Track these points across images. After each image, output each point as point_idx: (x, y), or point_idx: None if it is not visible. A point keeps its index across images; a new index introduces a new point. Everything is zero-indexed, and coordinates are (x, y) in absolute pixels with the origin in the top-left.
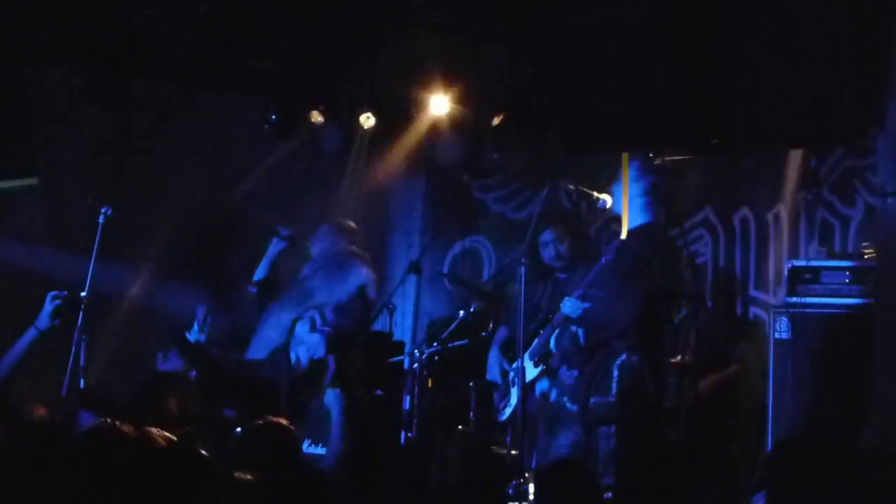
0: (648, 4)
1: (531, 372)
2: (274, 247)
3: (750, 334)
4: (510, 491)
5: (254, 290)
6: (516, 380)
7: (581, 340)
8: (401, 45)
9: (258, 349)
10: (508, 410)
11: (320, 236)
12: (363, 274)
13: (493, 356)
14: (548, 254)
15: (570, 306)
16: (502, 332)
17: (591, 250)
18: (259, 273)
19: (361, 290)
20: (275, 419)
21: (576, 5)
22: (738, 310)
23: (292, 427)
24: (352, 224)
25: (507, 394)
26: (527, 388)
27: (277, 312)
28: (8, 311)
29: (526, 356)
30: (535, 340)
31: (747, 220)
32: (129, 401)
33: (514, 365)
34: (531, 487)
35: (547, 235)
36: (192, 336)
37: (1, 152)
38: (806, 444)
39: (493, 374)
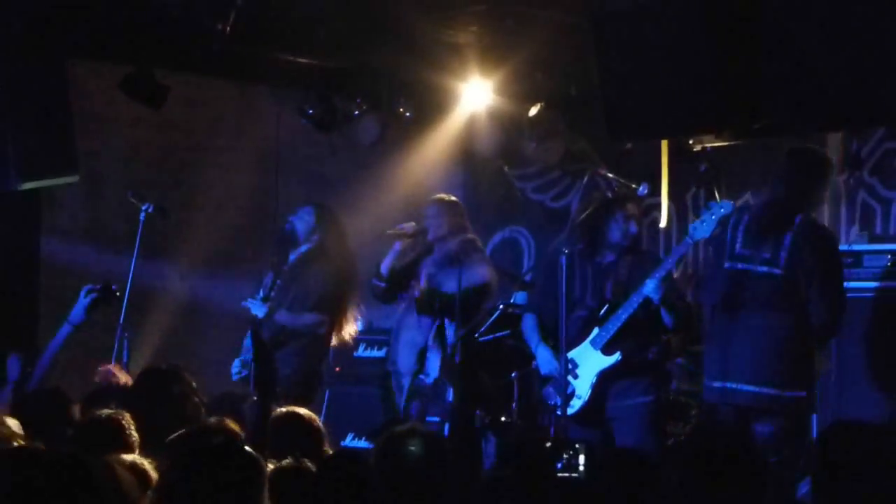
0: None
1: (602, 361)
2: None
3: None
4: (559, 465)
5: (382, 283)
6: (577, 371)
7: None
8: (439, 35)
9: (405, 355)
10: (578, 403)
11: (431, 219)
12: (483, 271)
13: (542, 350)
14: (618, 232)
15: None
16: (531, 322)
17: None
18: (385, 264)
19: (482, 289)
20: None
21: None
22: None
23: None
24: (453, 198)
25: (567, 386)
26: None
27: (414, 311)
28: (51, 307)
29: (587, 345)
30: (604, 327)
31: None
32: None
33: (569, 356)
34: (581, 458)
35: (632, 211)
36: (257, 304)
37: (43, 149)
38: (852, 430)
39: (548, 367)
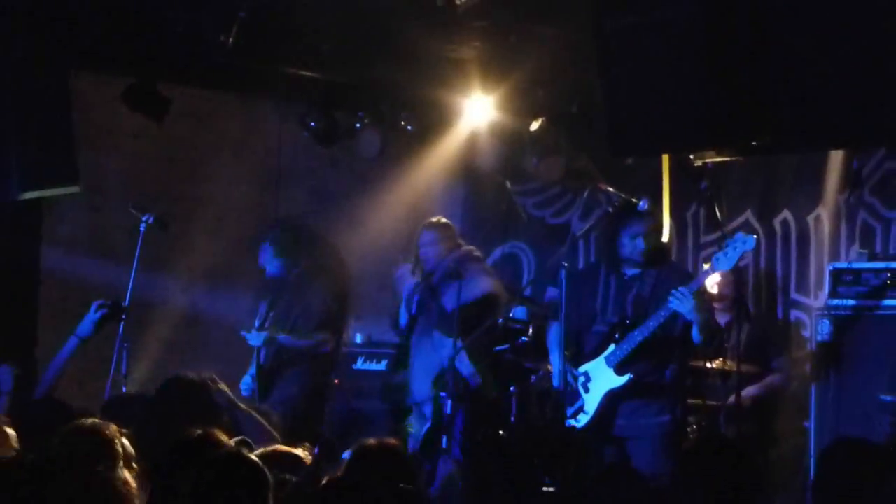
0: (692, 4)
1: (612, 380)
2: (407, 288)
3: (791, 338)
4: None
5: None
6: (588, 385)
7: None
8: (441, 50)
9: (421, 381)
10: (584, 419)
11: (428, 246)
12: (484, 283)
13: (557, 361)
14: (629, 248)
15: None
16: (555, 332)
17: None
18: (403, 318)
19: (485, 300)
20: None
21: (618, 6)
22: (780, 313)
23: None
24: (444, 220)
25: (577, 399)
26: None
27: (427, 333)
28: (51, 318)
29: (601, 361)
30: (619, 345)
31: (788, 222)
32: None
33: (582, 369)
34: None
35: (637, 228)
36: (253, 335)
37: (44, 160)
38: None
39: (560, 380)
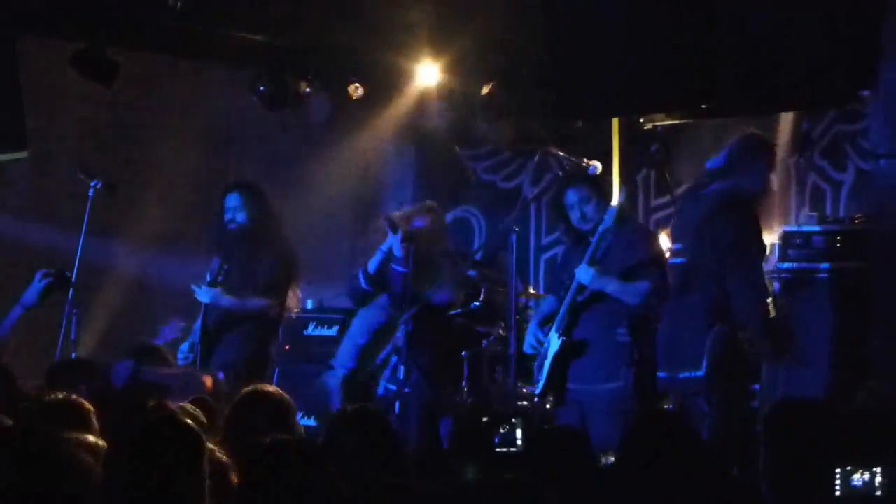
0: None
1: (554, 345)
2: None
3: None
4: (496, 439)
5: (368, 287)
6: (546, 350)
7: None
8: (390, 14)
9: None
10: (540, 384)
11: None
12: (451, 295)
13: (530, 328)
14: (574, 216)
15: (583, 273)
16: (546, 304)
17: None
18: (372, 265)
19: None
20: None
21: None
22: None
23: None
24: (430, 203)
25: (542, 367)
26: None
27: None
28: None
29: (553, 329)
30: (560, 311)
31: None
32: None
33: (548, 336)
34: (518, 433)
35: (571, 196)
36: (203, 290)
37: None
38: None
39: (528, 345)
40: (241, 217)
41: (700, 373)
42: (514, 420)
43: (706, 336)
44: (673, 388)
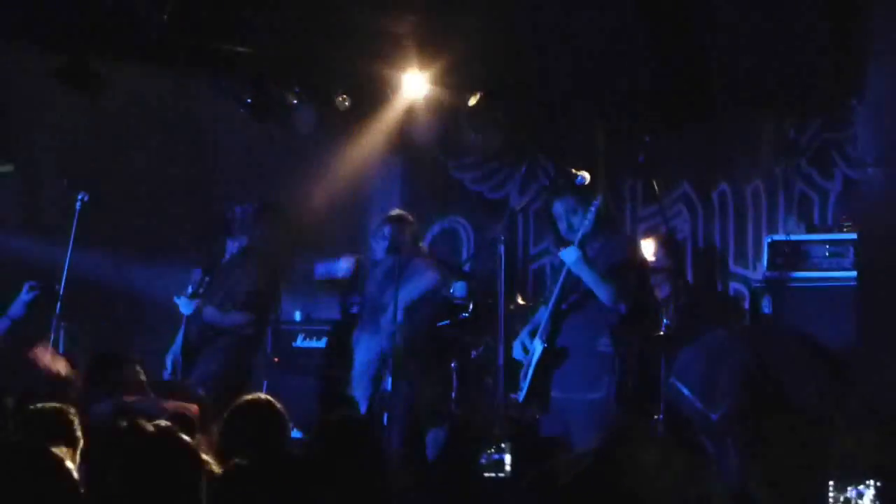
0: None
1: (537, 352)
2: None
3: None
4: (482, 460)
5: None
6: (530, 359)
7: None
8: (377, 24)
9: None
10: (523, 392)
11: (398, 235)
12: (428, 277)
13: (521, 336)
14: (562, 227)
15: (568, 254)
16: (540, 314)
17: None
18: (319, 272)
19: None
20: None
21: None
22: (719, 285)
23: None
24: (403, 213)
25: (526, 374)
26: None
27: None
28: None
29: (538, 338)
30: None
31: (726, 194)
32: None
33: (533, 344)
34: (507, 458)
35: (558, 208)
36: (184, 301)
37: None
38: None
39: (516, 352)
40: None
41: None
42: (502, 444)
43: None
44: None
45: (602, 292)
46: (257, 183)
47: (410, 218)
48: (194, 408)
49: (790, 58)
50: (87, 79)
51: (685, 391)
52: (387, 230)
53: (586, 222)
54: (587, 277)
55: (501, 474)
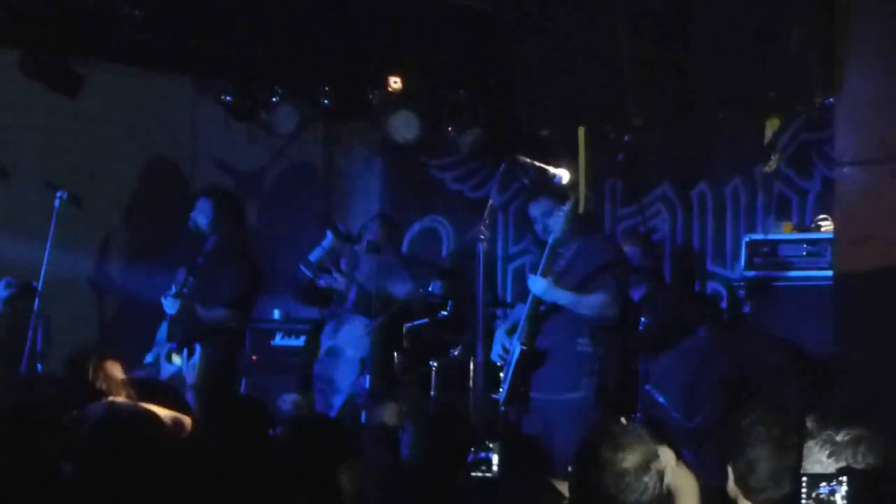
0: None
1: (515, 352)
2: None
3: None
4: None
5: (308, 273)
6: (510, 359)
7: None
8: (357, 24)
9: (344, 370)
10: (503, 392)
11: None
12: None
13: (497, 335)
14: (538, 228)
15: (534, 284)
16: (517, 312)
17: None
18: (314, 255)
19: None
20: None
21: None
22: (696, 285)
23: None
24: (391, 216)
25: (506, 375)
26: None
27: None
28: None
29: (515, 339)
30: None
31: (704, 194)
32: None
33: (512, 345)
34: (494, 458)
35: (534, 210)
36: (169, 301)
37: None
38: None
39: (495, 353)
40: (202, 222)
41: None
42: (490, 445)
43: None
44: None
45: (584, 309)
46: (237, 182)
47: (397, 221)
48: (188, 421)
49: (769, 58)
50: (67, 78)
51: (661, 400)
52: (373, 228)
53: (557, 226)
54: (564, 301)
55: (489, 474)
